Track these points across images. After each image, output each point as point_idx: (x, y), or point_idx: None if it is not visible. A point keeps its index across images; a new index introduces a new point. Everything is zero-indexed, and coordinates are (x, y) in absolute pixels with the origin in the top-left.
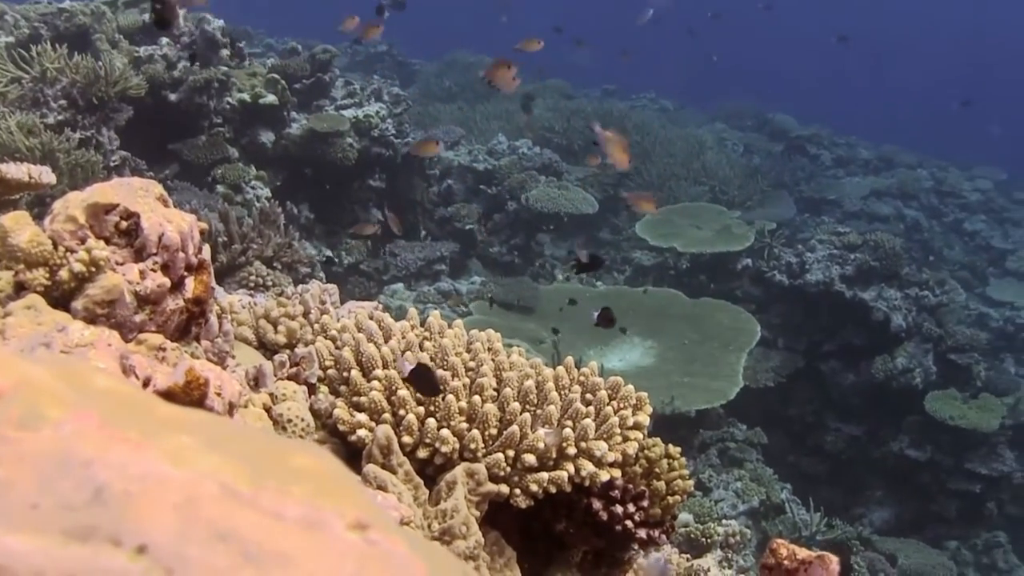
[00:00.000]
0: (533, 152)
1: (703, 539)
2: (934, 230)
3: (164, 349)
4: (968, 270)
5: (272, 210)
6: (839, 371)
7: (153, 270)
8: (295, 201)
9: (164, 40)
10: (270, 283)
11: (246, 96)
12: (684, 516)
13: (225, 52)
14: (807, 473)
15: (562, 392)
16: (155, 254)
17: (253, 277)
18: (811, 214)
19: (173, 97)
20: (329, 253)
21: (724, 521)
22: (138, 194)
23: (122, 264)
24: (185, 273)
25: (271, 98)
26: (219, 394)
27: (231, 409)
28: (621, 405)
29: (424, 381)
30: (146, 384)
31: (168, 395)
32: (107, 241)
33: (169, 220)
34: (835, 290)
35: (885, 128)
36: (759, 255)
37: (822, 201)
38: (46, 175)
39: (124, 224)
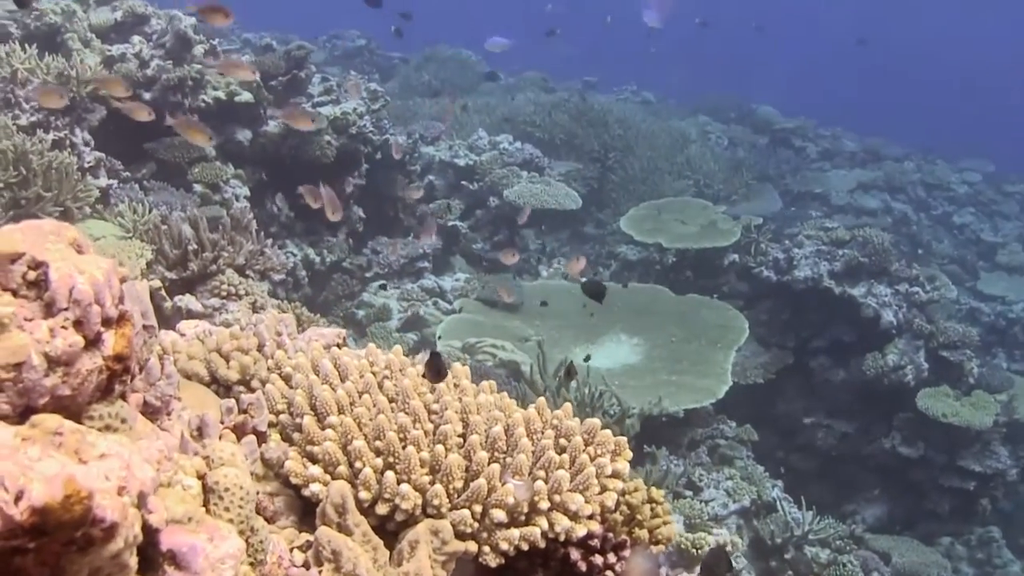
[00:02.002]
0: (514, 147)
1: (694, 550)
2: (922, 223)
3: (61, 433)
4: (958, 264)
5: (243, 216)
6: (828, 368)
7: (64, 327)
8: (274, 199)
9: (136, 38)
10: (242, 292)
11: (221, 94)
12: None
13: (199, 49)
14: (797, 469)
15: (534, 438)
16: (66, 309)
17: (225, 286)
18: (797, 207)
19: (147, 96)
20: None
21: (715, 531)
22: (48, 239)
23: (31, 320)
24: (102, 328)
25: (247, 96)
26: (122, 490)
27: (143, 500)
28: (598, 452)
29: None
30: (18, 499)
31: (44, 512)
32: (14, 294)
33: (82, 270)
34: (824, 286)
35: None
36: (746, 251)
37: (808, 194)
38: None
39: (32, 275)
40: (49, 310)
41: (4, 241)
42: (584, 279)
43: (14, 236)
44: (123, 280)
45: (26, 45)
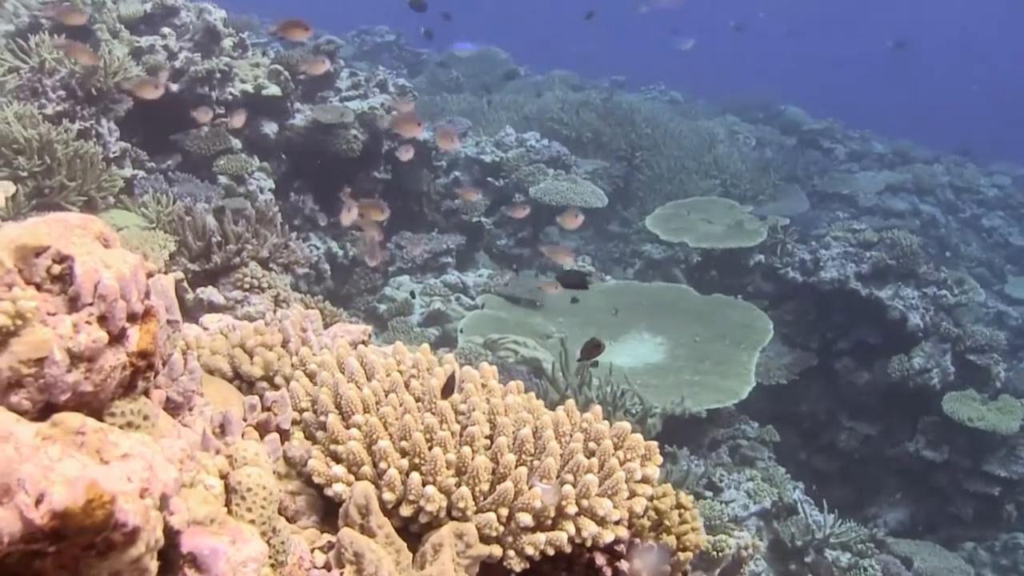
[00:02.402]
0: (541, 144)
1: (714, 552)
2: (951, 226)
3: (83, 433)
4: (986, 267)
5: (268, 208)
6: (853, 369)
7: (88, 322)
8: (299, 193)
9: (165, 30)
10: (265, 285)
11: (248, 87)
12: None
13: (228, 43)
14: (819, 471)
15: (562, 440)
16: (90, 304)
17: (248, 278)
18: (824, 209)
19: (174, 87)
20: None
21: (736, 532)
22: (74, 233)
23: (54, 315)
24: (127, 324)
25: (274, 89)
26: (144, 492)
27: (165, 501)
28: (628, 456)
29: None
30: (39, 502)
31: (64, 516)
32: (38, 288)
33: (108, 264)
34: (850, 288)
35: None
36: (772, 251)
37: (836, 196)
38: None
39: (57, 269)
40: (73, 305)
41: (29, 234)
42: (566, 269)
43: (39, 229)
44: (150, 275)
45: (55, 35)
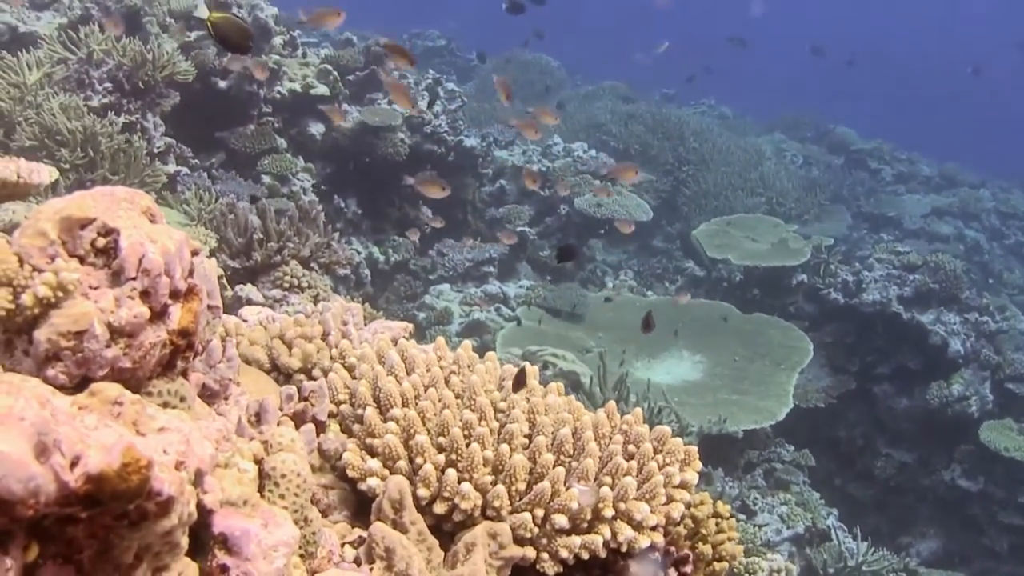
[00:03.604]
0: (589, 155)
1: (746, 575)
2: (995, 252)
3: (121, 403)
4: None
5: (312, 208)
6: (892, 395)
7: (130, 297)
8: (343, 195)
9: None
10: (305, 284)
11: (297, 86)
12: None
13: (278, 40)
14: (854, 498)
15: (602, 442)
16: (134, 278)
17: (288, 277)
18: (869, 231)
19: (222, 84)
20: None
21: (769, 555)
22: (121, 206)
23: (96, 288)
24: (169, 301)
25: (322, 89)
26: (180, 464)
27: (199, 478)
28: (667, 460)
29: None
30: (74, 464)
31: (99, 480)
32: (81, 260)
33: (153, 239)
34: (892, 311)
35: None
36: (815, 271)
37: (881, 218)
38: (37, 175)
39: (102, 242)
40: (116, 279)
41: (75, 206)
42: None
43: (85, 201)
44: (195, 253)
45: (103, 26)
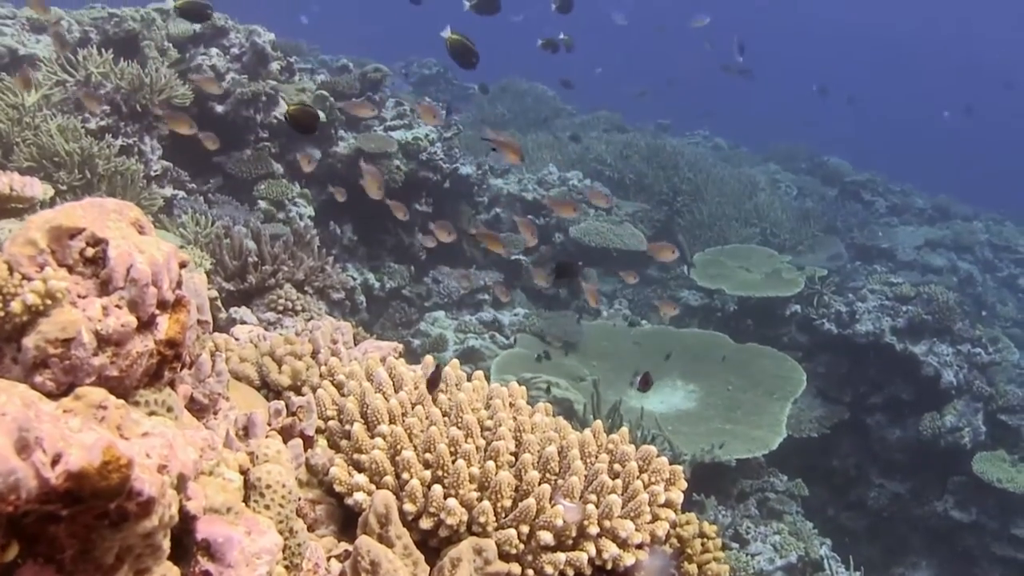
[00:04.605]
0: (584, 184)
1: None
2: (987, 284)
3: (105, 407)
4: (1021, 327)
5: (307, 232)
6: (885, 425)
7: (118, 306)
8: (338, 221)
9: (214, 51)
10: (299, 308)
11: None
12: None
13: (275, 66)
14: (847, 528)
15: (588, 461)
16: (122, 288)
17: (282, 300)
18: (863, 262)
19: (220, 109)
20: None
21: None
22: (110, 217)
23: (85, 297)
24: (157, 311)
25: (319, 115)
26: (163, 468)
27: (182, 483)
28: (652, 479)
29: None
30: (55, 462)
31: (80, 477)
32: (70, 270)
33: (141, 250)
34: (885, 342)
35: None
36: (808, 302)
37: (874, 249)
38: (30, 188)
39: (90, 251)
40: (104, 288)
41: (64, 216)
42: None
43: (75, 211)
44: (183, 265)
45: (102, 50)
